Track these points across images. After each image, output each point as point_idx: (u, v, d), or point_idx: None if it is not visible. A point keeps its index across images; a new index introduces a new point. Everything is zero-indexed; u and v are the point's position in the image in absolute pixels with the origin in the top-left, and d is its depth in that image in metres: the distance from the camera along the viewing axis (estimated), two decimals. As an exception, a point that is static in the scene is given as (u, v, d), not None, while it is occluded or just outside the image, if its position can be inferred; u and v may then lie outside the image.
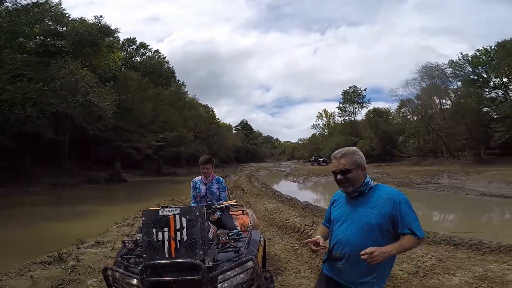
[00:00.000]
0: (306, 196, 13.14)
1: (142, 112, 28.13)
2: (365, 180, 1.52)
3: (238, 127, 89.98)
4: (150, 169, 32.67)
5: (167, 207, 1.96)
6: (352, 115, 56.46)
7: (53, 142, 21.13)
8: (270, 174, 31.58)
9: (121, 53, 32.69)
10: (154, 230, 1.84)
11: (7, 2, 15.88)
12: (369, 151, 39.25)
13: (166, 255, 1.79)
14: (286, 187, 17.33)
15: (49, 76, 17.00)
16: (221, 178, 3.37)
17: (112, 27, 24.66)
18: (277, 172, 34.71)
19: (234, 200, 3.02)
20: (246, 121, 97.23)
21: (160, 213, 1.88)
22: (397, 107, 39.98)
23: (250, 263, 1.87)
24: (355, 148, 1.62)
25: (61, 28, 22.19)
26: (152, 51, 37.47)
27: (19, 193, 15.23)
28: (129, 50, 35.97)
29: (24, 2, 16.54)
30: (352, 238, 1.49)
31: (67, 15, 22.37)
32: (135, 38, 36.09)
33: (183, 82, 45.85)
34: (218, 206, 2.68)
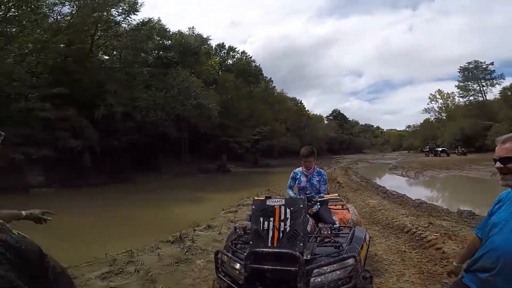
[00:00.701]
0: (419, 193, 11.23)
1: (239, 109, 30.59)
2: None
3: (330, 117, 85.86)
4: (249, 161, 35.33)
5: (270, 197, 2.03)
6: (480, 95, 45.33)
7: (176, 139, 25.65)
8: (370, 167, 28.84)
9: (216, 58, 36.33)
10: (261, 219, 1.93)
11: (123, 24, 19.84)
12: (512, 137, 30.31)
13: (269, 244, 1.86)
14: (392, 182, 15.37)
15: (169, 84, 20.54)
16: (322, 171, 3.30)
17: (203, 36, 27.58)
18: (380, 165, 31.27)
19: (336, 194, 2.92)
20: (339, 110, 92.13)
21: (268, 203, 1.97)
22: None
23: (351, 260, 1.80)
24: None
25: (167, 42, 26.28)
26: (240, 53, 40.21)
27: (153, 181, 19.18)
28: (221, 54, 39.40)
29: (134, 23, 20.20)
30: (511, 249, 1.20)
31: (168, 29, 26.31)
32: (223, 43, 39.49)
33: (270, 78, 47.43)
34: (319, 199, 2.61)
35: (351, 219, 3.34)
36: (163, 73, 22.10)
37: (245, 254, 1.86)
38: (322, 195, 2.73)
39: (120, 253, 3.94)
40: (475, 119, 39.79)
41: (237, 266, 1.95)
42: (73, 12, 16.75)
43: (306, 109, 64.35)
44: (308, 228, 2.12)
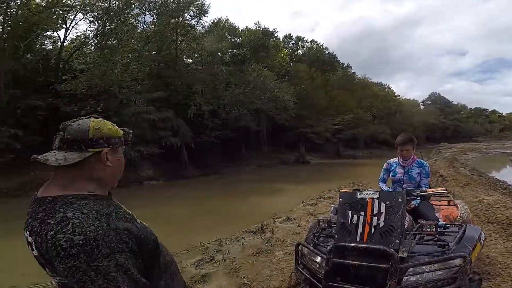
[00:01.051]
0: (558, 190, 8.71)
1: (316, 99, 29.75)
2: None
3: (428, 102, 74.04)
4: (330, 152, 34.00)
5: (359, 190, 1.92)
6: None
7: (256, 132, 26.83)
8: (485, 158, 23.90)
9: (285, 50, 35.86)
10: (350, 212, 1.84)
11: (197, 26, 21.32)
12: None
13: (358, 239, 1.76)
14: (517, 176, 12.24)
15: (246, 80, 21.51)
16: (425, 162, 2.87)
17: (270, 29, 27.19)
18: (498, 156, 25.66)
19: (443, 188, 2.47)
20: (438, 94, 77.77)
21: (358, 195, 1.87)
22: None
23: (458, 261, 1.64)
24: None
25: (238, 39, 27.23)
26: (309, 42, 38.67)
27: (240, 173, 20.56)
28: (289, 45, 38.56)
29: (206, 24, 21.48)
30: None
31: (237, 27, 27.29)
32: (290, 34, 38.39)
33: (348, 65, 44.19)
34: (421, 193, 2.27)
35: (459, 216, 2.84)
36: (240, 70, 23.16)
37: (329, 247, 1.79)
38: (424, 189, 2.38)
39: (211, 242, 4.30)
40: None
41: (318, 259, 1.90)
42: (154, 20, 19.04)
43: (396, 94, 57.77)
44: (406, 225, 1.90)
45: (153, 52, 19.48)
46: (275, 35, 29.90)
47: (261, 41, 26.07)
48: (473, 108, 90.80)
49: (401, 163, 2.86)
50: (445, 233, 1.89)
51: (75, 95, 15.12)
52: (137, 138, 15.12)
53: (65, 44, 17.88)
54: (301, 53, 38.43)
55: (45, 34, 17.25)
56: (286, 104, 22.74)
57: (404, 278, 1.64)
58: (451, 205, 3.06)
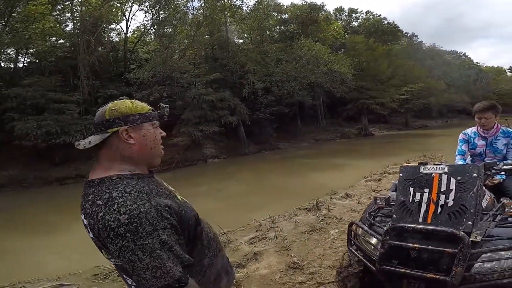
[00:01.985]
0: None
1: (378, 70, 27.79)
2: None
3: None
4: (397, 123, 31.53)
5: (426, 163, 1.67)
6: None
7: (312, 107, 26.04)
8: None
9: (338, 23, 33.85)
10: (411, 189, 1.64)
11: (243, 6, 20.97)
12: None
13: (420, 220, 1.55)
14: None
15: (296, 55, 20.84)
16: None
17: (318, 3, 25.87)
18: None
19: None
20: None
21: (422, 170, 1.65)
22: None
23: None
24: None
25: (284, 16, 26.33)
26: (364, 13, 36.04)
27: (297, 148, 20.51)
28: (342, 18, 36.61)
29: (251, 3, 21.12)
30: None
31: (281, 4, 26.35)
32: (342, 6, 36.44)
33: (413, 33, 41.09)
34: (506, 167, 1.92)
35: None
36: (289, 46, 22.58)
37: (386, 228, 1.60)
38: (510, 162, 1.99)
39: (265, 219, 4.29)
40: None
41: (373, 240, 1.74)
42: (202, 5, 19.35)
43: (476, 61, 52.23)
44: (484, 204, 1.64)
45: (206, 36, 20.13)
46: (324, 9, 28.73)
47: (309, 15, 25.14)
48: None
49: (481, 133, 2.44)
50: None
51: (143, 83, 16.72)
52: (199, 118, 16.22)
53: (128, 35, 19.72)
54: (356, 24, 36.47)
55: (110, 27, 19.20)
56: (343, 77, 21.55)
57: (476, 264, 1.44)
58: None
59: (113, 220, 0.74)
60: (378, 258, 1.60)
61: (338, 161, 13.31)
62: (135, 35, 21.53)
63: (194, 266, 0.88)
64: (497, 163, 1.92)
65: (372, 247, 1.75)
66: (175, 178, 11.04)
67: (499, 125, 2.40)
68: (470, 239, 1.39)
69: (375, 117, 28.84)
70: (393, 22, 36.22)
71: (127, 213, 0.75)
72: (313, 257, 2.97)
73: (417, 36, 41.94)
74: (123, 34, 19.67)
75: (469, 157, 2.60)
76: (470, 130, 2.55)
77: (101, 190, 0.81)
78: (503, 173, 1.98)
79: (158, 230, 0.76)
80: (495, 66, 58.22)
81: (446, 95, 33.25)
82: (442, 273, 1.43)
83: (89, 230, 0.83)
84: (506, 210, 1.55)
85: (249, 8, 21.26)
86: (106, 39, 19.10)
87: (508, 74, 56.80)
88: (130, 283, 0.88)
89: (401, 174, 1.72)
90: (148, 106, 0.96)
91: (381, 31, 34.06)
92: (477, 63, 52.43)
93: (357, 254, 1.85)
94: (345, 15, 37.37)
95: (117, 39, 20.57)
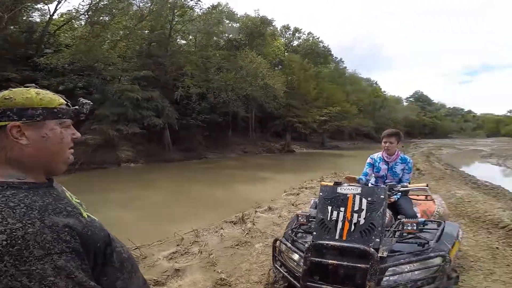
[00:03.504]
0: (520, 185, 9.35)
1: (307, 90, 30.08)
2: None
3: (411, 99, 78.07)
4: (315, 142, 34.70)
5: (340, 183, 1.82)
6: None
7: (245, 119, 26.67)
8: (458, 154, 24.97)
9: (281, 40, 36.07)
10: (329, 208, 1.73)
11: (196, 8, 20.79)
12: None
13: (337, 237, 1.66)
14: (485, 172, 12.96)
15: (238, 66, 21.20)
16: (408, 158, 2.84)
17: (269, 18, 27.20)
18: (470, 152, 26.81)
19: (425, 184, 2.47)
20: (421, 92, 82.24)
21: (339, 190, 1.76)
22: None
23: (437, 260, 1.60)
24: None
25: (235, 25, 26.98)
26: (306, 34, 39.05)
27: (225, 158, 20.44)
28: (286, 36, 38.96)
29: (205, 7, 21.13)
30: None
31: (235, 13, 27.02)
32: (288, 24, 38.67)
33: (341, 59, 46.06)
34: (402, 189, 2.24)
35: (436, 211, 2.87)
36: (233, 55, 22.90)
37: (307, 245, 1.67)
38: (405, 184, 2.34)
39: (187, 232, 4.03)
40: None
41: (296, 257, 1.80)
42: None
43: (382, 90, 60.41)
44: (385, 221, 1.83)
45: (146, 31, 18.78)
46: (273, 24, 29.87)
47: (258, 28, 25.88)
48: (451, 107, 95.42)
49: (385, 158, 2.83)
50: (424, 230, 1.85)
51: (55, 69, 14.35)
52: (118, 116, 14.60)
53: (54, 17, 16.81)
54: (296, 43, 38.87)
55: (35, 6, 16.15)
56: (276, 93, 22.77)
57: (384, 278, 1.59)
58: (429, 200, 3.10)
59: None
60: (301, 275, 1.66)
61: (263, 175, 13.81)
62: (62, 18, 18.35)
63: None
64: (396, 185, 2.29)
65: (296, 263, 1.80)
66: (74, 182, 9.24)
67: (399, 152, 2.84)
68: (379, 254, 1.53)
69: (297, 135, 31.32)
70: (327, 45, 39.91)
71: (7, 233, 0.58)
72: (241, 273, 2.89)
73: (343, 61, 46.94)
74: (48, 16, 16.60)
75: (373, 178, 2.98)
76: (376, 155, 2.93)
77: None
78: (399, 193, 2.37)
79: (52, 254, 0.61)
80: (397, 95, 69.62)
81: (357, 119, 37.33)
82: (358, 287, 1.55)
83: None
84: (404, 227, 1.73)
85: (201, 10, 20.88)
86: (24, 18, 15.90)
87: (405, 103, 70.11)
88: None
89: (321, 193, 1.80)
90: (61, 100, 0.77)
91: (316, 53, 36.89)
92: (384, 91, 60.42)
93: (282, 271, 1.87)
94: (290, 33, 39.33)
95: (38, 20, 17.20)
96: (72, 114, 0.78)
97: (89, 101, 0.83)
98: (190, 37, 23.86)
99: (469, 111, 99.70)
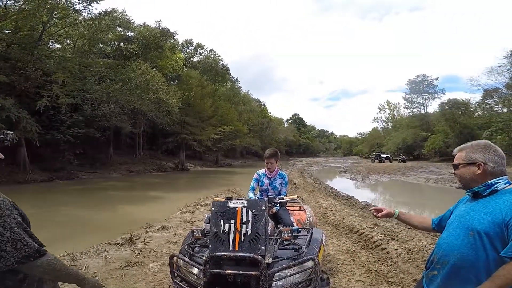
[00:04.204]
0: (365, 195, 12.40)
1: (203, 107, 30.04)
2: (489, 181, 1.26)
3: (290, 121, 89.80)
4: (209, 160, 35.00)
5: (231, 198, 1.93)
6: (422, 107, 50.64)
7: (131, 135, 24.21)
8: (323, 170, 30.53)
9: (182, 54, 35.33)
10: (222, 221, 1.82)
11: (83, 12, 18.37)
12: (443, 148, 34.90)
13: (230, 248, 1.76)
14: (342, 184, 16.55)
15: (126, 77, 19.29)
16: (285, 174, 3.34)
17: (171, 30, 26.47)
18: (332, 168, 33.35)
19: (296, 196, 2.89)
20: (298, 115, 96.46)
21: (229, 204, 1.85)
22: (480, 98, 34.51)
23: (310, 263, 1.78)
24: (483, 141, 1.35)
25: (130, 34, 25.08)
26: (208, 50, 39.51)
27: (105, 178, 17.82)
28: (188, 50, 38.54)
29: (96, 12, 18.97)
30: (452, 244, 1.28)
31: (132, 21, 25.23)
32: (191, 39, 38.66)
33: (237, 78, 48.28)
34: (279, 200, 2.58)
35: (307, 220, 3.37)
36: (121, 65, 20.77)
37: (204, 258, 1.74)
38: (282, 196, 2.70)
39: (60, 257, 3.53)
40: (416, 130, 44.91)
41: (195, 271, 1.86)
42: None
43: (269, 111, 66.41)
44: (269, 231, 2.05)
45: (7, 31, 15.12)
46: (175, 37, 28.78)
47: (157, 40, 24.54)
48: (319, 129, 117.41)
49: (267, 174, 3.25)
50: (298, 237, 2.07)
51: None
52: None
53: None
54: (197, 59, 38.47)
55: None
56: (170, 108, 21.71)
57: (273, 283, 1.72)
58: (301, 210, 3.58)
59: None
60: (203, 287, 1.72)
61: (154, 194, 12.91)
62: None
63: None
64: (275, 197, 2.66)
65: (196, 276, 1.85)
66: None
67: (277, 168, 3.32)
68: (266, 261, 1.69)
69: (192, 153, 30.92)
70: (226, 64, 40.95)
71: None
72: (136, 292, 2.73)
73: (239, 81, 49.13)
74: None
75: (259, 191, 3.40)
76: (261, 171, 3.36)
77: None
78: (278, 205, 2.81)
79: (14, 214, 0.99)
80: (279, 117, 78.81)
81: (247, 138, 39.74)
82: None
83: None
84: (282, 235, 1.98)
85: (89, 15, 18.18)
86: None
87: (285, 125, 79.69)
88: None
89: (213, 208, 1.89)
90: None
91: (215, 71, 37.37)
92: (270, 112, 66.45)
93: (182, 285, 1.88)
94: (191, 48, 38.62)
95: None
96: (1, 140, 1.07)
97: (12, 132, 1.09)
98: (68, 41, 20.45)
99: (332, 133, 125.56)
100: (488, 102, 33.68)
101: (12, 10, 14.81)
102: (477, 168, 1.28)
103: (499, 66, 29.50)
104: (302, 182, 13.82)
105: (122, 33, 24.66)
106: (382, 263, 3.64)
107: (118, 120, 19.41)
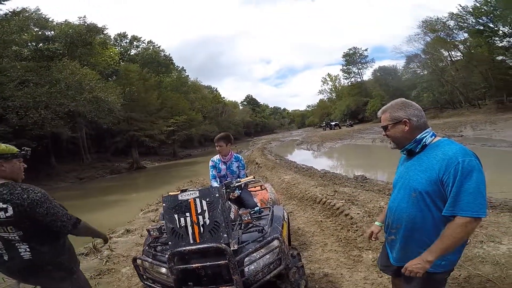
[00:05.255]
0: (322, 163, 12.87)
1: (148, 101, 28.64)
2: (418, 136, 1.28)
3: (244, 103, 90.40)
4: (166, 154, 33.65)
5: (186, 190, 1.82)
6: (358, 76, 55.68)
7: (73, 140, 21.92)
8: (282, 145, 31.40)
9: (116, 48, 32.97)
10: (176, 216, 1.74)
11: None
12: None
13: (191, 241, 1.70)
14: (301, 157, 17.26)
15: (53, 78, 17.27)
16: (240, 156, 3.30)
17: (99, 25, 24.43)
18: (289, 142, 34.43)
19: (252, 176, 2.84)
20: (251, 96, 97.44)
21: (180, 197, 1.76)
22: (404, 63, 39.07)
23: (275, 242, 1.76)
24: (400, 100, 1.39)
25: (49, 33, 22.50)
26: (146, 42, 37.64)
27: (51, 190, 16.00)
28: (122, 44, 36.31)
29: (1, 13, 16.70)
30: (400, 207, 1.29)
31: (50, 19, 22.66)
32: (125, 32, 36.29)
33: (183, 68, 46.51)
34: (236, 184, 2.52)
35: (270, 198, 3.39)
36: (45, 66, 18.34)
37: (167, 256, 1.68)
38: (239, 179, 2.68)
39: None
40: (356, 97, 49.05)
41: (163, 270, 1.79)
42: None
43: (222, 96, 65.95)
44: (232, 216, 2.03)
45: None
46: (105, 32, 26.53)
47: (83, 36, 22.15)
48: (273, 107, 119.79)
49: (222, 159, 3.18)
50: (262, 217, 2.09)
51: None
52: None
53: None
54: (134, 52, 36.30)
55: None
56: (111, 106, 20.01)
57: (246, 268, 1.70)
58: (263, 189, 3.60)
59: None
60: (174, 285, 1.67)
61: (112, 198, 12.12)
62: None
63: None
64: (232, 181, 2.56)
65: (165, 276, 1.79)
66: None
67: (232, 152, 3.26)
68: (231, 248, 1.67)
69: (146, 149, 29.36)
70: (169, 54, 39.03)
71: (29, 195, 1.56)
72: (113, 299, 2.59)
73: (185, 70, 46.69)
74: None
75: (218, 178, 3.29)
76: (216, 158, 3.27)
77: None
78: (238, 188, 2.69)
79: (53, 200, 1.63)
80: (233, 100, 78.25)
81: (203, 126, 39.22)
82: (228, 284, 1.65)
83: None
84: (242, 218, 1.95)
85: None
86: None
87: (241, 107, 79.70)
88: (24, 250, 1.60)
89: (164, 204, 1.79)
90: (16, 149, 1.72)
91: (157, 62, 35.50)
92: (223, 97, 65.40)
93: (155, 286, 1.83)
94: (126, 42, 35.97)
95: None
96: (21, 156, 1.73)
97: (30, 149, 1.79)
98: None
99: (284, 109, 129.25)
100: (411, 67, 37.98)
101: None
102: (404, 125, 1.31)
103: (415, 35, 32.88)
104: (264, 161, 13.95)
105: (40, 32, 21.88)
106: (349, 230, 3.71)
107: (53, 126, 17.34)
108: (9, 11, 16.92)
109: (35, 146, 17.16)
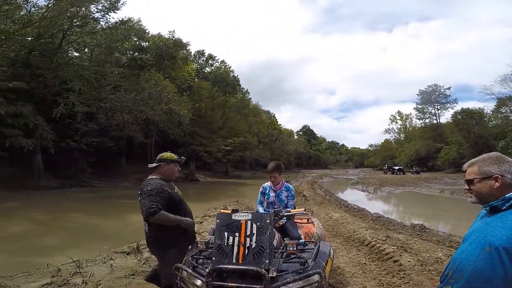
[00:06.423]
0: (377, 207, 12.02)
1: (213, 119, 30.17)
2: (507, 195, 1.20)
3: (300, 133, 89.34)
4: (219, 171, 35.02)
5: (237, 211, 1.94)
6: (434, 118, 49.02)
7: (142, 144, 24.56)
8: (334, 182, 30.04)
9: (194, 65, 35.76)
10: (226, 233, 1.84)
11: (101, 21, 19.18)
12: (457, 159, 33.73)
13: (234, 261, 1.77)
14: (353, 196, 16.14)
15: (140, 87, 19.71)
16: (291, 186, 3.32)
17: (184, 41, 26.95)
18: (343, 180, 32.76)
19: (303, 208, 2.85)
20: (309, 126, 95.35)
21: (233, 217, 1.88)
22: (494, 107, 33.35)
23: (316, 277, 1.76)
24: (494, 154, 1.31)
25: (144, 44, 25.73)
26: (219, 62, 39.69)
27: (116, 187, 18.05)
28: (199, 61, 38.79)
29: (112, 21, 19.69)
30: (468, 259, 1.21)
31: (147, 31, 25.87)
32: (203, 50, 38.91)
33: (247, 90, 47.92)
34: (286, 213, 2.55)
35: (316, 233, 3.34)
36: (135, 75, 21.26)
37: (207, 270, 1.75)
38: (289, 209, 2.67)
39: (66, 263, 3.56)
40: (429, 141, 43.72)
41: (198, 282, 1.85)
42: (49, 4, 15.67)
43: (279, 123, 66.24)
44: (274, 243, 2.07)
45: (29, 38, 15.91)
46: (187, 48, 29.10)
47: (170, 50, 24.90)
48: (330, 141, 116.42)
49: (273, 187, 3.25)
50: (305, 250, 2.09)
51: None
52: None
53: None
54: (208, 70, 38.56)
55: None
56: (181, 119, 21.87)
57: None
58: (310, 223, 3.53)
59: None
60: None
61: (163, 204, 12.92)
62: None
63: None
64: (281, 210, 2.60)
65: None
66: None
67: (283, 181, 3.30)
68: (269, 275, 1.68)
69: (202, 163, 31.00)
70: (237, 75, 40.92)
71: (152, 186, 2.27)
72: (140, 301, 2.67)
73: (249, 92, 48.32)
74: None
75: (265, 204, 3.36)
76: (267, 184, 3.35)
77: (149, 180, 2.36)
78: (285, 218, 2.72)
79: (156, 195, 2.24)
80: (289, 128, 77.93)
81: (257, 150, 39.78)
82: None
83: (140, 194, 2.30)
84: (287, 248, 1.98)
85: (106, 24, 18.96)
86: None
87: (296, 137, 79.42)
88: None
89: (217, 220, 1.92)
90: (175, 156, 2.49)
91: (225, 82, 37.28)
92: (280, 124, 65.84)
93: None
94: (203, 59, 38.70)
95: None
96: (178, 162, 2.52)
97: (184, 157, 2.65)
98: (86, 50, 21.20)
99: (343, 145, 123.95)
100: (503, 111, 32.61)
101: (35, 17, 15.59)
102: (494, 181, 1.22)
103: (511, 74, 28.64)
104: (312, 194, 13.58)
105: (137, 42, 25.27)
106: (394, 276, 3.54)
107: (131, 130, 19.78)
108: (119, 20, 19.91)
109: (112, 145, 19.81)
